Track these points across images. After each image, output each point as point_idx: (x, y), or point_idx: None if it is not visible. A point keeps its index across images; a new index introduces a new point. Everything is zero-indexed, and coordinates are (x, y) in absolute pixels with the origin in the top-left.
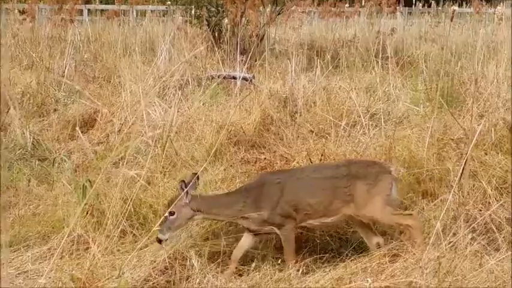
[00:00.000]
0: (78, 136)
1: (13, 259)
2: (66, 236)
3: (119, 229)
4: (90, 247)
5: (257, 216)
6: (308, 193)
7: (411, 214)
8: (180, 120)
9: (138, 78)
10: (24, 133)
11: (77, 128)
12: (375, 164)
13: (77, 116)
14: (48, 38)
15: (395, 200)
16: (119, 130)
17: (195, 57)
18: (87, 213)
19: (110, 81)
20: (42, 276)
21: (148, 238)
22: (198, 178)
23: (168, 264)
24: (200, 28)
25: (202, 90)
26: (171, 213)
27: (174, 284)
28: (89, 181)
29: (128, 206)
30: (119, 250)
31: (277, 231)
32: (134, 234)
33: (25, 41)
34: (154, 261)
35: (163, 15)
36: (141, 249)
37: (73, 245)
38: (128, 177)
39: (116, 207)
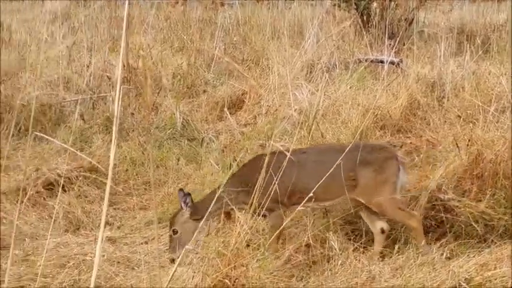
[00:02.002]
0: (226, 117)
1: (162, 235)
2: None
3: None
4: (236, 225)
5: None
6: (309, 178)
7: (414, 216)
8: (326, 103)
9: (286, 61)
10: (174, 113)
11: (225, 109)
12: (381, 148)
13: (225, 97)
14: (199, 20)
15: (403, 188)
16: (266, 112)
17: (343, 41)
18: None
19: (258, 64)
20: (190, 252)
21: (292, 219)
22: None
23: (309, 244)
24: (348, 12)
25: (349, 73)
26: (175, 232)
27: (315, 264)
28: (236, 161)
29: (273, 186)
30: (263, 230)
31: (267, 214)
32: None
33: (177, 24)
34: (296, 242)
35: None
36: (283, 229)
37: (219, 223)
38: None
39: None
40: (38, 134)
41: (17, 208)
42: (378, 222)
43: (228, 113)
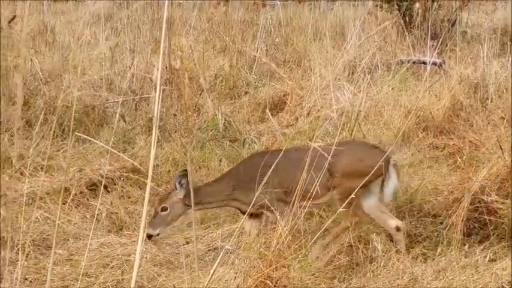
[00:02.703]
0: (268, 118)
1: (204, 236)
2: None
3: (305, 210)
4: (277, 227)
5: (247, 198)
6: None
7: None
8: (368, 104)
9: (328, 62)
10: (216, 115)
11: (267, 111)
12: (373, 148)
13: (267, 98)
14: (240, 21)
15: (395, 192)
16: (308, 113)
17: (385, 42)
18: None
19: (300, 65)
20: (231, 253)
21: (334, 220)
22: (185, 175)
23: (352, 246)
24: (391, 13)
25: (391, 74)
26: (164, 209)
27: (358, 266)
28: None
29: (315, 187)
30: (305, 230)
31: (268, 214)
32: (321, 216)
33: (219, 25)
34: (339, 243)
35: (354, 0)
36: (325, 230)
37: (259, 224)
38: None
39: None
40: (81, 135)
41: (60, 208)
42: (391, 220)
43: (269, 114)
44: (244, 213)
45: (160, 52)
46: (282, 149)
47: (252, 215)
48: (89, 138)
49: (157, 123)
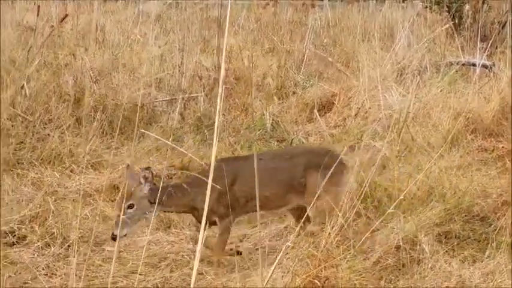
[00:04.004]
0: (315, 119)
1: (251, 235)
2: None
3: (354, 210)
4: (326, 226)
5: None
6: (263, 184)
7: None
8: (416, 105)
9: (376, 64)
10: (264, 114)
11: (315, 111)
12: (328, 152)
13: (315, 99)
14: (289, 22)
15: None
16: (356, 114)
17: (434, 44)
18: None
19: (348, 66)
20: (278, 252)
21: (382, 221)
22: (152, 173)
23: (400, 247)
24: (440, 14)
25: (440, 76)
26: (130, 206)
27: (404, 267)
28: None
29: (364, 188)
30: (350, 232)
31: (217, 222)
32: (368, 217)
33: (267, 25)
34: (386, 244)
35: (403, 1)
36: (373, 231)
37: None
38: (364, 161)
39: (352, 189)
40: (145, 131)
41: (109, 205)
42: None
43: (317, 114)
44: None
45: (223, 50)
46: (245, 156)
47: (210, 223)
48: (151, 134)
49: (219, 118)
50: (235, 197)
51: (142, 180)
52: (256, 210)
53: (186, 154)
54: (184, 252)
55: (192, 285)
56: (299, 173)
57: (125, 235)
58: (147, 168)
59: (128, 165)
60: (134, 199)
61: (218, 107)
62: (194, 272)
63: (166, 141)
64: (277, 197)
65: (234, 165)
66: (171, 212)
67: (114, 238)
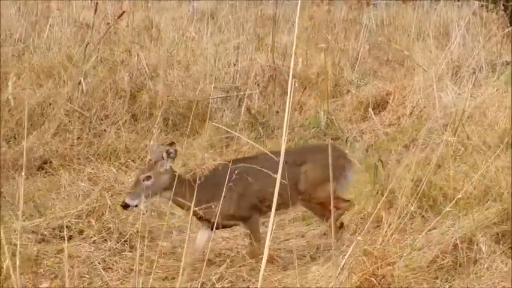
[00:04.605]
0: (370, 117)
1: (306, 232)
2: (357, 213)
3: (411, 209)
4: (380, 225)
5: (222, 208)
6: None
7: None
8: (472, 105)
9: (431, 62)
10: (318, 112)
11: (370, 109)
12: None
13: (369, 97)
14: (343, 20)
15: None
16: (411, 113)
17: (490, 42)
18: (377, 192)
19: (403, 65)
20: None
21: (438, 221)
22: (175, 150)
23: (457, 246)
24: (496, 13)
25: (496, 75)
26: (148, 178)
27: (460, 267)
28: (381, 161)
29: (421, 187)
30: (406, 230)
31: (242, 225)
32: (423, 216)
33: (321, 23)
34: (442, 243)
35: (458, 0)
36: (429, 230)
37: (362, 222)
38: (420, 160)
39: (407, 188)
40: (217, 125)
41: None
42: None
43: (372, 113)
44: (211, 225)
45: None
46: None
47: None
48: (225, 128)
49: (289, 114)
50: (252, 199)
51: (164, 155)
52: (266, 212)
53: (240, 150)
54: (239, 249)
55: (259, 285)
56: (301, 169)
57: (136, 206)
58: (171, 144)
59: (152, 141)
60: (153, 172)
61: (288, 103)
62: (262, 272)
63: (234, 132)
64: (285, 196)
65: (242, 167)
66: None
67: (124, 206)
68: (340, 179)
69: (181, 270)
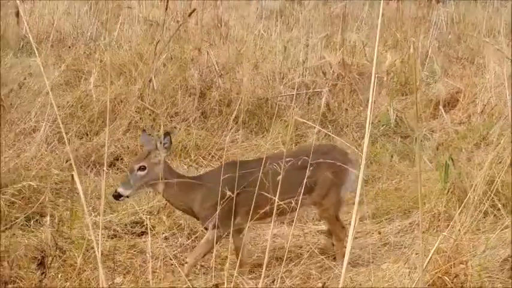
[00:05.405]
0: (440, 115)
1: (375, 230)
2: (428, 212)
3: (484, 208)
4: (451, 224)
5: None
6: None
7: (345, 229)
8: None
9: (502, 60)
10: (388, 110)
11: (440, 107)
12: (335, 150)
13: (439, 95)
14: (412, 18)
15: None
16: (482, 111)
17: None
18: (448, 191)
19: (473, 63)
20: (404, 247)
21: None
22: (170, 140)
23: None
24: None
25: None
26: (142, 168)
27: None
28: (451, 160)
29: (494, 186)
30: (479, 229)
31: (209, 230)
32: (495, 215)
33: (390, 21)
34: None
35: None
36: (502, 229)
37: (433, 221)
38: (491, 159)
39: (479, 187)
40: (297, 118)
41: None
42: None
43: (443, 110)
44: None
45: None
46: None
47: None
48: (304, 120)
49: (371, 110)
50: (240, 204)
51: (158, 145)
52: (264, 217)
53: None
54: (308, 246)
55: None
56: (309, 173)
57: (128, 196)
58: (167, 134)
59: (144, 130)
60: (147, 163)
61: (370, 99)
62: (343, 273)
63: (324, 130)
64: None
65: (241, 169)
66: (174, 206)
67: (116, 196)
68: (346, 182)
69: (264, 265)
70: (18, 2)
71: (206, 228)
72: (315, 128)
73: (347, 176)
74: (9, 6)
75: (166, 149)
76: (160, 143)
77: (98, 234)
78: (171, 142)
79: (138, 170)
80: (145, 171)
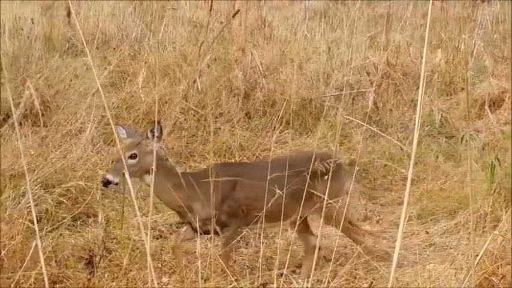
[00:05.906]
0: (485, 115)
1: (421, 231)
2: (474, 212)
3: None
4: (498, 224)
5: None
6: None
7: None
8: None
9: None
10: (432, 110)
11: (486, 107)
12: (329, 156)
13: (484, 95)
14: (457, 18)
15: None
16: None
17: None
18: (494, 191)
19: None
20: (450, 248)
21: None
22: (161, 129)
23: None
24: None
25: None
26: (133, 156)
27: None
28: (497, 160)
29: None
30: None
31: (219, 231)
32: None
33: (434, 21)
34: None
35: None
36: None
37: (480, 221)
38: None
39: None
40: (346, 117)
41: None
42: (312, 238)
43: (488, 110)
44: (193, 228)
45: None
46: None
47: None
48: (353, 118)
49: (420, 110)
50: (236, 206)
51: (149, 135)
52: (255, 223)
53: (354, 148)
54: (352, 246)
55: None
56: (304, 181)
57: (116, 184)
58: (157, 123)
59: (117, 123)
60: (139, 151)
61: (420, 98)
62: (392, 273)
63: (370, 127)
64: (280, 208)
65: (235, 172)
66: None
67: (105, 182)
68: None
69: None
70: (70, 2)
71: (206, 232)
72: (360, 128)
73: (343, 184)
74: (56, 7)
75: (157, 138)
76: (151, 131)
77: (146, 234)
78: (161, 131)
79: (129, 157)
80: (137, 159)
